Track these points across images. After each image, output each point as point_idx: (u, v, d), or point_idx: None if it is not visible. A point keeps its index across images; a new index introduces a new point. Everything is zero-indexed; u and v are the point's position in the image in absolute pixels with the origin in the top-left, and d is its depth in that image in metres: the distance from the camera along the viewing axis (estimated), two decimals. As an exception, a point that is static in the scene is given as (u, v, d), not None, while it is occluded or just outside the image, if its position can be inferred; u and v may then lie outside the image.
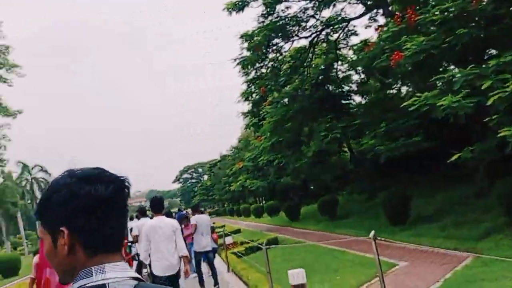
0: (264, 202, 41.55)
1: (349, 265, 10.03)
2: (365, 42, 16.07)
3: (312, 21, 18.07)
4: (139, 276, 1.07)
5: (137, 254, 9.13)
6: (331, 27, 18.83)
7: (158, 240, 6.25)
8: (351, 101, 22.02)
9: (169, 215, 9.30)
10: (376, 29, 14.48)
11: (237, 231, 24.29)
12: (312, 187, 28.78)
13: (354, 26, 19.81)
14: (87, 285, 1.02)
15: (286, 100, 19.81)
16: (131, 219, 12.36)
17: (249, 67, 18.66)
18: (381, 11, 17.45)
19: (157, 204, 6.64)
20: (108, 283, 1.02)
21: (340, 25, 18.84)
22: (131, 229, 9.57)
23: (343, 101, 21.75)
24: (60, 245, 1.06)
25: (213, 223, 13.45)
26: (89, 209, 1.05)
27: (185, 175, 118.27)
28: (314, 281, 8.41)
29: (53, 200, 1.07)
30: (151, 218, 7.74)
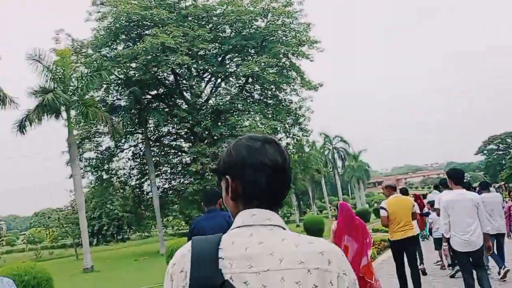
0: None
1: None
2: None
3: None
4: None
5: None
6: None
7: (456, 214, 6.00)
8: None
9: (469, 188, 8.34)
10: None
11: None
12: None
13: None
14: (233, 229, 1.26)
15: None
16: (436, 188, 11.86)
17: None
18: None
19: (457, 175, 6.22)
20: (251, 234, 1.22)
21: None
22: (433, 202, 9.74)
23: None
24: (226, 191, 1.31)
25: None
26: (245, 164, 1.26)
27: (490, 146, 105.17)
28: None
29: (222, 155, 1.33)
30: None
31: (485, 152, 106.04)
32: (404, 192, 10.61)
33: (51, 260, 31.97)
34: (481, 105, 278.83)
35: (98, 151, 30.16)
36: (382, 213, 7.18)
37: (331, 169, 65.71)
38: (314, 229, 22.74)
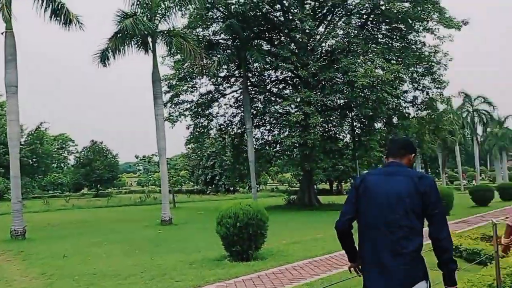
0: None
1: None
2: None
3: None
4: None
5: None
6: None
7: None
8: None
9: None
10: None
11: None
12: None
13: None
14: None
15: None
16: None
17: None
18: None
19: None
20: None
21: None
22: None
23: None
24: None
25: None
26: None
27: None
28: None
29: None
30: None
31: None
32: None
33: (150, 206, 31.27)
34: None
35: (198, 95, 27.84)
36: None
37: (468, 135, 56.72)
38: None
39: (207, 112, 28.58)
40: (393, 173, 2.80)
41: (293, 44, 24.75)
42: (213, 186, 52.92)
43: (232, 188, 51.45)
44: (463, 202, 22.87)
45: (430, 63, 25.23)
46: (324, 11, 26.67)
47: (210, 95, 28.24)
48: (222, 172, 50.39)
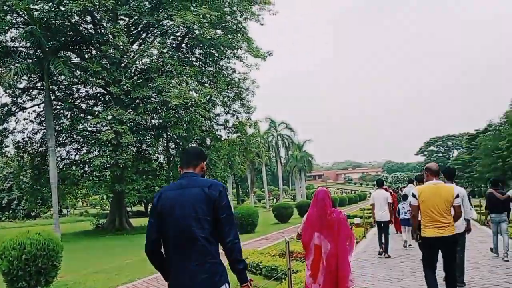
0: None
1: None
2: None
3: None
4: None
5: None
6: None
7: None
8: None
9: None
10: None
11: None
12: None
13: None
14: None
15: None
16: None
17: None
18: None
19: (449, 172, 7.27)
20: None
21: None
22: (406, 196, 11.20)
23: None
24: None
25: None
26: None
27: (431, 148, 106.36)
28: None
29: None
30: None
31: (426, 153, 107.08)
32: (380, 184, 11.23)
33: None
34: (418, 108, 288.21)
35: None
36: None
37: (273, 157, 62.24)
38: (246, 223, 18.50)
39: (1, 127, 24.96)
40: (187, 185, 2.88)
41: (105, 59, 23.51)
42: (10, 211, 46.48)
43: (33, 214, 45.90)
44: (267, 219, 24.64)
45: (239, 89, 26.83)
46: (139, 29, 26.17)
47: (6, 108, 24.78)
48: (22, 196, 44.60)
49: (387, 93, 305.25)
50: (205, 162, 3.06)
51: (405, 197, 11.68)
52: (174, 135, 25.34)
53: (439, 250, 5.56)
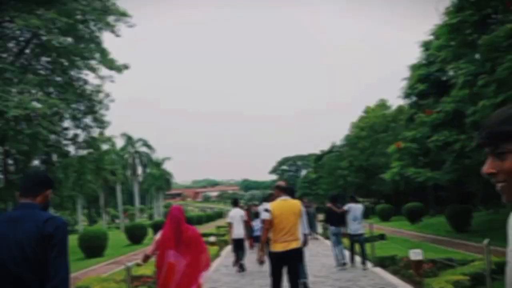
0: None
1: None
2: None
3: None
4: None
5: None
6: None
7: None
8: None
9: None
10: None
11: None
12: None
13: None
14: None
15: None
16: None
17: None
18: None
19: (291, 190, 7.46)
20: None
21: None
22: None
23: None
24: None
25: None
26: None
27: (283, 167, 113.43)
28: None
29: None
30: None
31: (279, 171, 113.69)
32: (236, 203, 11.82)
33: None
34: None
35: None
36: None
37: (130, 175, 59.81)
38: (93, 246, 17.16)
39: None
40: (20, 219, 2.47)
41: None
42: None
43: None
44: (120, 240, 23.30)
45: (92, 102, 25.19)
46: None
47: None
48: None
49: (249, 112, 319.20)
50: (50, 190, 2.64)
51: (257, 215, 12.28)
52: (12, 150, 22.61)
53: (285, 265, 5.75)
